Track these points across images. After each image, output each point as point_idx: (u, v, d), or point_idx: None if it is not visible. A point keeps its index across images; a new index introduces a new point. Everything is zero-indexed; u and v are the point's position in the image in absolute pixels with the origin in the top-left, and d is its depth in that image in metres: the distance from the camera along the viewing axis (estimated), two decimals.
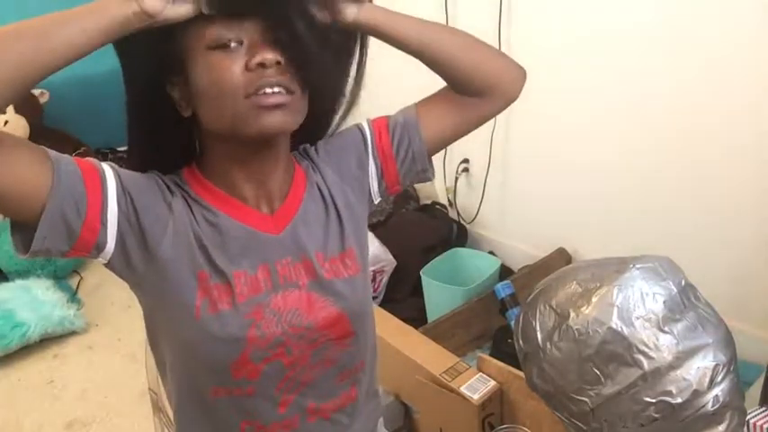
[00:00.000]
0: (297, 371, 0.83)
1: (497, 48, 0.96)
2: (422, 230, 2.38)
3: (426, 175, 0.94)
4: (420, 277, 2.10)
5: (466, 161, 2.48)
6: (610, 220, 2.05)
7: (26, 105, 2.78)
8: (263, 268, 0.82)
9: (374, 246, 2.24)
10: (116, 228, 0.74)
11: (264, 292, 0.81)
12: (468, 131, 0.95)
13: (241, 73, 0.74)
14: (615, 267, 1.00)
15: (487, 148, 2.29)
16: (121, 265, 0.77)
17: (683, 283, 0.99)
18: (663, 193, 1.89)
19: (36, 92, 2.85)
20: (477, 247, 2.45)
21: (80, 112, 3.08)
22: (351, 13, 0.79)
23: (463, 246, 2.40)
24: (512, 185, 2.35)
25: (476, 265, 2.21)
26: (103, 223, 0.73)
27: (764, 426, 1.09)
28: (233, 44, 0.74)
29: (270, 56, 0.73)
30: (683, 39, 1.72)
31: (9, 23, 0.66)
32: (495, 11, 2.10)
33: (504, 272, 2.21)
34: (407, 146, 0.91)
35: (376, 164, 0.91)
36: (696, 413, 0.92)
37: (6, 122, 2.71)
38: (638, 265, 0.99)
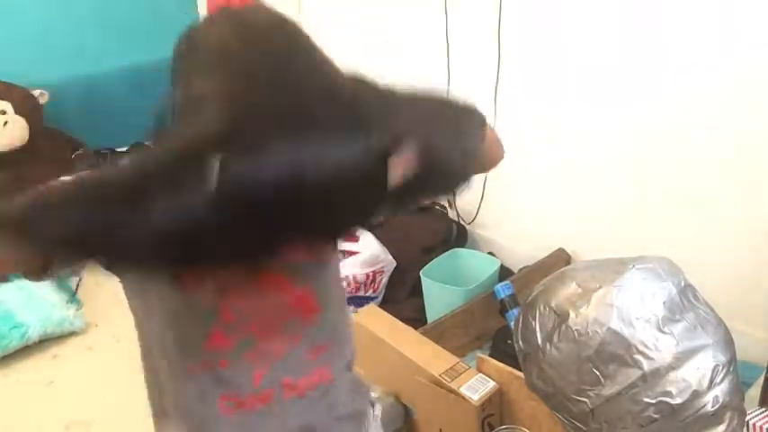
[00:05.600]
0: (267, 343, 0.88)
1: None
2: (421, 231, 2.38)
3: None
4: (420, 277, 2.10)
5: None
6: (609, 220, 2.04)
7: (26, 106, 2.77)
8: None
9: (374, 246, 2.24)
10: None
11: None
12: None
13: None
14: (615, 268, 1.01)
15: None
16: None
17: (682, 283, 0.99)
18: (663, 193, 1.89)
19: (36, 92, 2.85)
20: (476, 247, 2.45)
21: (80, 113, 3.06)
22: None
23: (463, 246, 2.39)
24: (511, 186, 2.34)
25: (475, 265, 2.20)
26: None
27: (764, 426, 1.09)
28: None
29: None
30: (683, 40, 1.72)
31: None
32: (494, 11, 2.11)
33: (504, 272, 2.20)
34: None
35: None
36: (696, 414, 0.92)
37: (6, 123, 2.71)
38: (637, 266, 0.99)
